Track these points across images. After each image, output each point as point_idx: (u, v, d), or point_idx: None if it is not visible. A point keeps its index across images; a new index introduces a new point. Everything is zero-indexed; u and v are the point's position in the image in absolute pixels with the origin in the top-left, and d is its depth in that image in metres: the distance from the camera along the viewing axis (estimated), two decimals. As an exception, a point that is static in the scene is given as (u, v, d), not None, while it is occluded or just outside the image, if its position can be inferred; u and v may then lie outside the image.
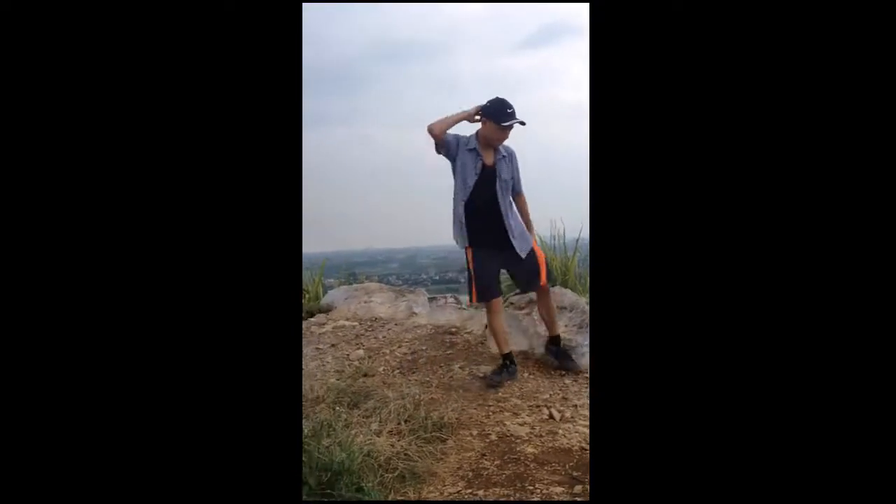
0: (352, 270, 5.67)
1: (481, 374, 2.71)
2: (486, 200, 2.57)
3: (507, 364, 2.64)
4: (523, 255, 2.60)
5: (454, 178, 2.61)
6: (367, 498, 1.56)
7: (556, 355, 2.76)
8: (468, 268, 2.62)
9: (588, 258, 3.92)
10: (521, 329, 3.09)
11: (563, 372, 2.70)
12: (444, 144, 2.55)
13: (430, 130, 2.50)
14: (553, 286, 3.39)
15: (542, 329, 3.00)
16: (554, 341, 2.78)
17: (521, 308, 3.23)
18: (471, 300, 2.69)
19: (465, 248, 2.62)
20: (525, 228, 2.69)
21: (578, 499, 1.62)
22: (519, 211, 2.72)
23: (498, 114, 2.48)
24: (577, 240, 3.88)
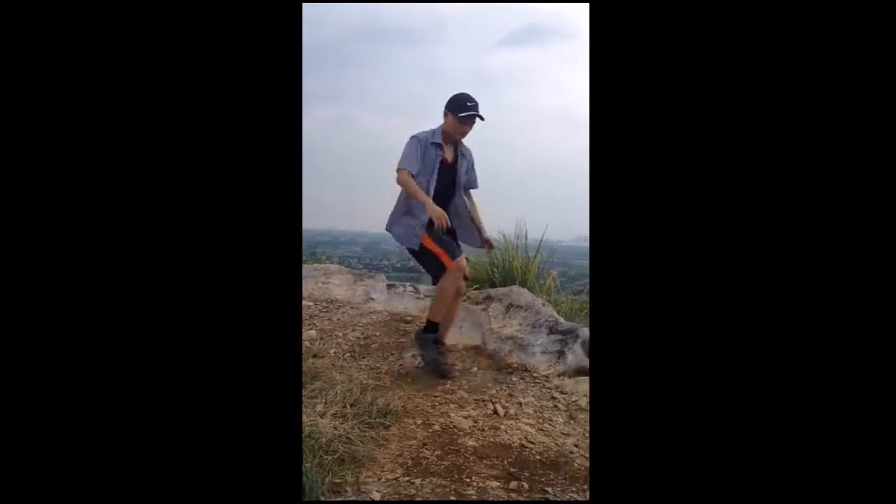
0: (313, 250, 5.59)
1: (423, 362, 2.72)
2: (441, 195, 2.62)
3: (433, 330, 2.60)
4: (478, 245, 2.77)
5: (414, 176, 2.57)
6: (304, 479, 1.56)
7: (423, 342, 2.63)
8: (432, 251, 2.56)
9: (548, 261, 3.98)
10: (475, 323, 3.12)
11: (434, 368, 2.55)
12: (415, 168, 2.56)
13: (399, 182, 2.58)
14: (511, 284, 3.43)
15: (497, 326, 3.03)
16: (431, 325, 2.62)
17: (477, 303, 3.25)
18: (446, 268, 2.55)
19: (423, 238, 2.58)
20: (469, 227, 2.77)
21: (514, 496, 1.65)
22: (469, 208, 2.79)
23: (458, 106, 2.53)
24: (540, 241, 3.93)
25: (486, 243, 2.85)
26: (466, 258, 2.69)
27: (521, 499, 1.64)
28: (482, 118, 2.56)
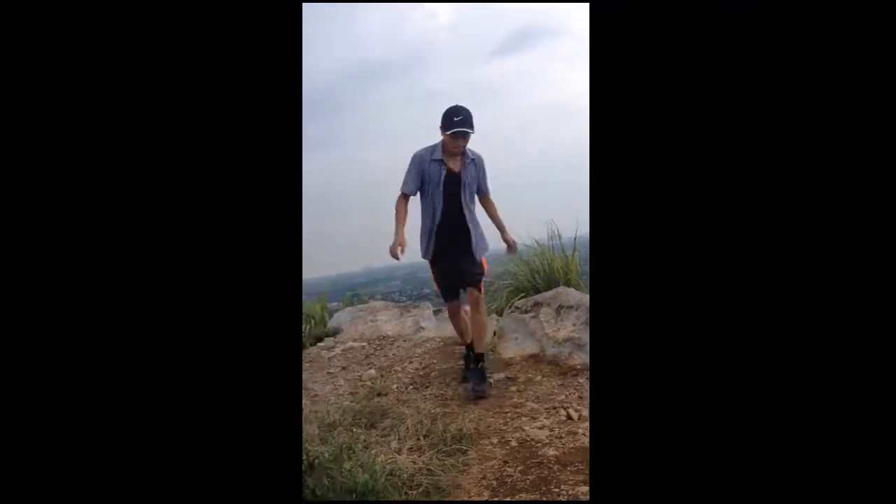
0: (354, 291, 5.65)
1: (491, 382, 2.70)
2: (451, 207, 2.63)
3: (472, 358, 2.68)
4: (478, 258, 2.68)
5: (421, 193, 2.67)
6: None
7: (473, 372, 2.63)
8: (433, 276, 2.76)
9: (587, 256, 3.93)
10: (528, 332, 3.09)
11: (474, 394, 2.51)
12: (414, 188, 2.64)
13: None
14: (557, 286, 3.40)
15: (551, 330, 3.00)
16: (477, 358, 2.66)
17: (526, 312, 3.23)
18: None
19: (429, 262, 2.73)
20: (483, 235, 2.74)
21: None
22: (488, 213, 2.80)
23: (446, 123, 2.53)
24: (575, 238, 3.89)
25: (508, 244, 2.84)
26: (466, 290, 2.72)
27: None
28: (466, 132, 2.51)
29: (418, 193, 2.66)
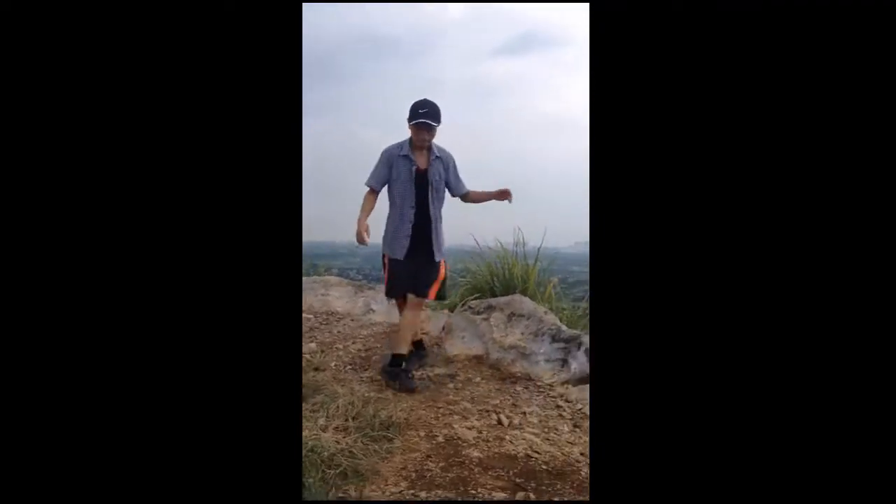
0: (313, 262, 5.55)
1: (431, 375, 2.70)
2: (421, 205, 2.63)
3: (399, 363, 2.60)
4: (438, 258, 2.68)
5: (389, 188, 2.65)
6: (307, 493, 1.53)
7: (388, 372, 2.58)
8: (383, 267, 2.74)
9: (548, 268, 3.95)
10: (477, 334, 3.09)
11: (399, 387, 2.48)
12: (378, 184, 2.64)
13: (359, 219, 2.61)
14: (513, 293, 3.41)
15: (499, 335, 3.01)
16: (393, 361, 2.60)
17: (478, 313, 3.23)
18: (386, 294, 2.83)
19: (383, 255, 2.71)
20: (442, 234, 2.71)
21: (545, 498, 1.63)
22: (474, 200, 2.77)
23: (411, 114, 2.54)
24: (539, 248, 3.90)
25: (502, 194, 2.72)
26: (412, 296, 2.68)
27: (439, 476, 1.62)
28: (433, 124, 2.53)
29: (385, 189, 2.67)
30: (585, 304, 3.77)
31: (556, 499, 1.67)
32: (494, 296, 3.54)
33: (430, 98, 2.57)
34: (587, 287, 4.01)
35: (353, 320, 3.53)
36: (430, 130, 2.57)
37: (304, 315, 3.56)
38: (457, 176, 2.73)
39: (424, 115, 2.52)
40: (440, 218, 2.71)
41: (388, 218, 2.71)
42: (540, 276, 3.82)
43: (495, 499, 1.65)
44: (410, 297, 2.66)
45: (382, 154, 2.65)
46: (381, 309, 3.68)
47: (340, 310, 3.71)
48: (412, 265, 2.65)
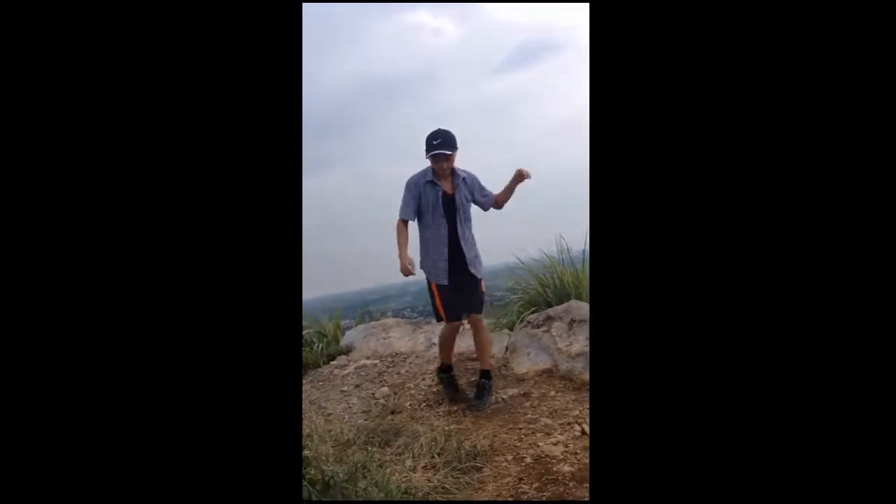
0: (366, 308, 5.66)
1: (505, 398, 2.70)
2: (449, 229, 2.69)
3: (449, 375, 2.85)
4: (479, 276, 2.74)
5: (419, 217, 2.71)
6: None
7: (477, 388, 2.74)
8: (430, 294, 2.76)
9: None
10: (541, 347, 3.08)
11: (474, 406, 2.62)
12: (410, 214, 2.70)
13: (398, 252, 2.66)
14: (569, 300, 3.39)
15: (563, 345, 2.99)
16: (483, 374, 2.77)
17: (538, 326, 3.22)
18: (438, 319, 2.87)
19: (431, 284, 2.74)
20: (478, 253, 2.77)
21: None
22: (504, 199, 2.77)
23: (426, 147, 2.61)
24: (584, 251, 3.88)
25: (519, 177, 2.69)
26: (466, 319, 2.77)
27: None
28: (446, 153, 2.59)
29: (416, 219, 2.73)
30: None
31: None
32: (550, 306, 3.53)
33: (442, 127, 2.65)
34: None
35: (417, 357, 3.57)
36: (448, 159, 2.63)
37: (370, 361, 3.63)
38: (482, 192, 2.78)
39: (439, 146, 2.59)
40: (473, 238, 2.78)
41: (423, 246, 2.76)
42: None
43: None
44: (474, 317, 2.74)
45: (407, 185, 2.72)
46: (443, 341, 3.71)
47: (403, 349, 3.76)
48: (458, 285, 2.71)
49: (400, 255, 2.66)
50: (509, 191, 2.74)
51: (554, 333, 3.09)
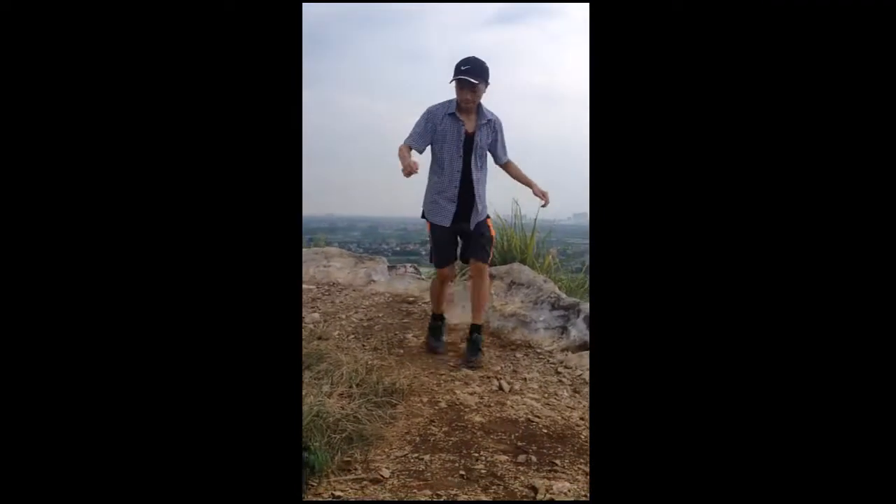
0: (312, 235, 5.58)
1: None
2: (465, 170, 2.50)
3: (438, 325, 2.71)
4: (472, 227, 2.55)
5: (433, 148, 2.50)
6: (313, 458, 1.57)
7: (470, 344, 2.56)
8: (431, 243, 2.62)
9: (545, 239, 3.97)
10: (477, 302, 3.12)
11: (467, 366, 2.47)
12: (421, 144, 2.47)
13: (400, 154, 2.40)
14: (511, 262, 3.43)
15: (499, 304, 3.04)
16: (474, 329, 2.57)
17: (479, 282, 3.26)
18: (430, 261, 2.73)
19: (427, 225, 2.60)
20: (485, 202, 2.62)
21: (522, 469, 1.67)
22: (512, 175, 2.65)
23: (454, 72, 2.39)
24: (535, 219, 3.91)
25: (541, 195, 2.61)
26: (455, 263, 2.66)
27: (442, 441, 1.66)
28: (473, 81, 2.35)
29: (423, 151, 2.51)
30: (583, 276, 3.79)
31: (556, 461, 1.71)
32: (493, 265, 3.57)
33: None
34: (585, 259, 4.03)
35: (354, 291, 3.56)
36: (473, 89, 2.38)
37: (306, 286, 3.59)
38: (503, 143, 2.59)
39: (465, 73, 2.33)
40: (484, 183, 2.60)
41: (430, 181, 2.56)
42: (538, 248, 3.84)
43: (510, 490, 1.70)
44: (476, 264, 2.55)
45: (426, 112, 2.48)
46: (383, 280, 3.71)
47: (342, 281, 3.73)
48: (458, 231, 2.56)
49: (402, 156, 2.36)
50: (524, 181, 2.62)
51: (492, 292, 3.13)
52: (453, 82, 2.39)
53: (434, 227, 2.56)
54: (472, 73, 2.35)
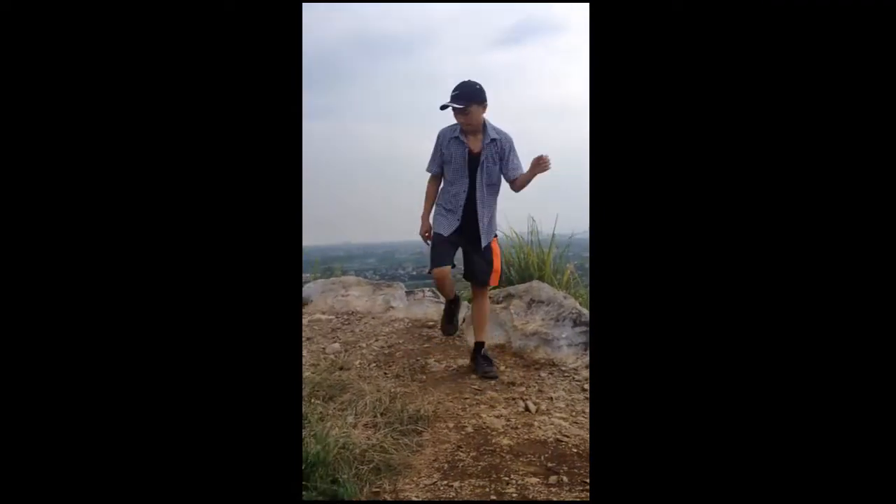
0: (329, 265, 5.60)
1: (455, 367, 2.71)
2: (469, 189, 2.56)
3: (451, 307, 2.80)
4: (485, 244, 2.61)
5: (443, 168, 2.60)
6: (342, 490, 1.55)
7: (479, 360, 2.63)
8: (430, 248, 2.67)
9: (563, 254, 3.94)
10: (498, 322, 3.10)
11: (485, 376, 2.54)
12: (435, 168, 2.62)
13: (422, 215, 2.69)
14: (531, 280, 3.41)
15: (520, 323, 3.01)
16: (478, 346, 2.67)
17: (497, 302, 3.24)
18: (428, 272, 2.77)
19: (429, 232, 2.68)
20: (494, 222, 2.67)
21: (554, 490, 1.63)
22: (523, 183, 2.55)
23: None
24: (552, 235, 3.89)
25: (538, 163, 2.44)
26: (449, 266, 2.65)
27: (471, 466, 1.62)
28: (457, 106, 2.40)
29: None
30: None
31: (588, 480, 1.67)
32: (512, 284, 3.55)
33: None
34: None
35: (374, 318, 3.55)
36: (464, 112, 2.42)
37: (325, 316, 3.60)
38: (512, 163, 2.55)
39: (453, 98, 2.40)
40: (492, 204, 2.62)
41: (439, 199, 2.65)
42: (556, 263, 3.81)
43: (527, 484, 1.66)
44: (473, 287, 2.71)
45: (437, 137, 2.59)
46: (401, 306, 3.70)
47: (361, 309, 3.73)
48: (457, 242, 2.62)
49: (422, 217, 2.64)
50: (528, 178, 2.53)
51: (512, 311, 3.11)
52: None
53: (434, 234, 2.65)
54: (459, 98, 2.43)
